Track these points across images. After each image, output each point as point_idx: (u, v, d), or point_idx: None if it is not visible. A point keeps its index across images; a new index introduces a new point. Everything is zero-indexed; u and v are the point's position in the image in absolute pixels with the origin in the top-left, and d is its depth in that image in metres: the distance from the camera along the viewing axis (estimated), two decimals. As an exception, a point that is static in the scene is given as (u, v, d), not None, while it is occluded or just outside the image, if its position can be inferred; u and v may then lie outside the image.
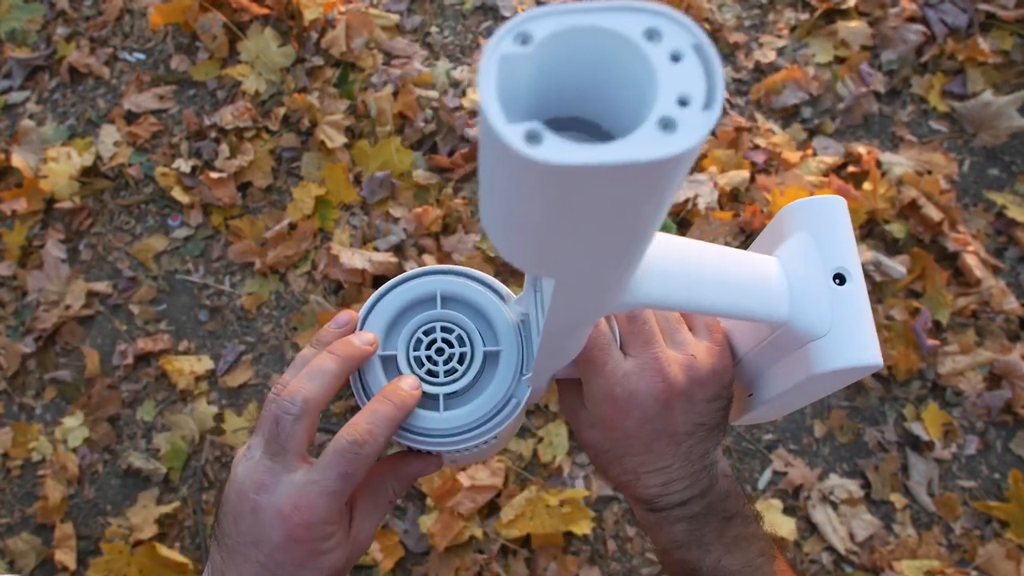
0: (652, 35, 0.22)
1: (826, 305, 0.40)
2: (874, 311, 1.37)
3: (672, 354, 0.45)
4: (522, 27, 0.22)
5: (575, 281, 0.30)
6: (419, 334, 0.46)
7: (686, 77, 0.22)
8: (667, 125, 0.21)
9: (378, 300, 0.46)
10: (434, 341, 0.46)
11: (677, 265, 0.38)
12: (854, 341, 0.40)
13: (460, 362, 0.45)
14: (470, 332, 0.46)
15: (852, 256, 0.42)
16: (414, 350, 0.46)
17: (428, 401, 0.45)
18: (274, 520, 0.41)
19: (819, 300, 0.40)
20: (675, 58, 0.22)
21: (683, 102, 0.22)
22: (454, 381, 0.45)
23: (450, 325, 0.46)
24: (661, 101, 0.22)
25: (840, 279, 0.41)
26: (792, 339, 0.41)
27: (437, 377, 0.45)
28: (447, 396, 0.45)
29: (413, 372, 0.45)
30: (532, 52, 0.22)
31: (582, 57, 0.23)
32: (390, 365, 0.45)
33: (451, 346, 0.46)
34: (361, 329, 0.46)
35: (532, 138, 0.21)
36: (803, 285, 0.40)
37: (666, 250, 0.38)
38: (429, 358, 0.46)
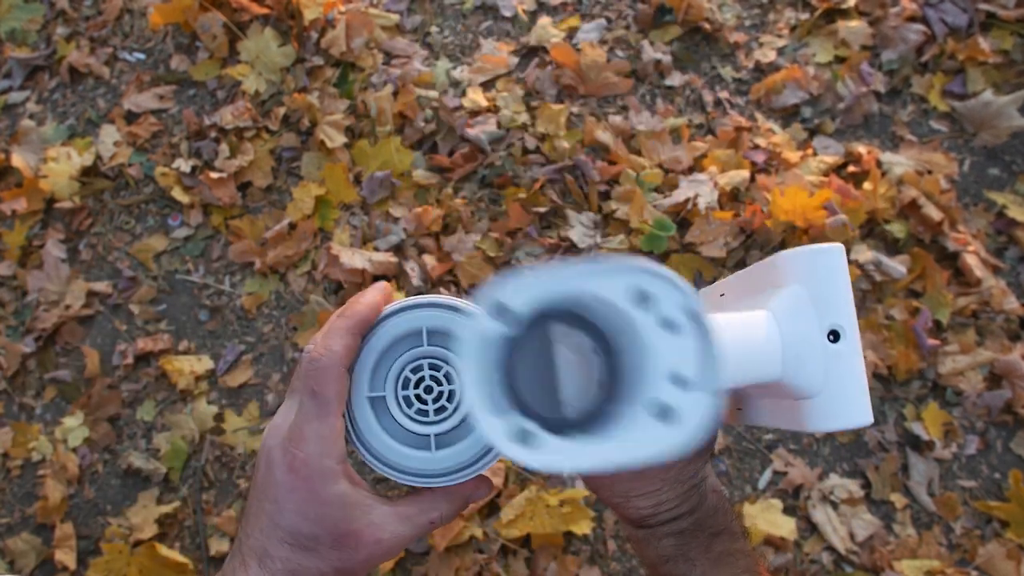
0: (643, 299, 0.21)
1: (819, 365, 0.39)
2: (874, 311, 1.37)
3: None
4: (498, 301, 0.21)
5: None
6: (407, 372, 0.45)
7: (680, 349, 0.20)
8: (665, 414, 0.20)
9: (365, 337, 0.45)
10: (422, 379, 0.45)
11: None
12: (847, 402, 0.39)
13: (449, 400, 0.45)
14: (458, 368, 0.45)
15: (848, 310, 0.41)
16: (403, 389, 0.45)
17: (420, 440, 0.45)
18: (279, 457, 0.42)
19: (812, 360, 0.39)
20: (668, 326, 0.20)
21: (678, 380, 0.20)
22: (444, 420, 0.45)
23: (437, 362, 0.45)
24: (655, 382, 0.20)
25: (834, 335, 0.40)
26: (784, 391, 0.41)
27: (427, 416, 0.45)
28: (438, 435, 0.45)
29: (403, 412, 0.45)
30: (514, 320, 0.21)
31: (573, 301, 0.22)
32: (379, 405, 0.45)
33: (439, 384, 0.45)
34: (350, 370, 0.45)
35: (522, 438, 0.19)
36: (796, 344, 0.40)
37: None
38: (418, 397, 0.45)
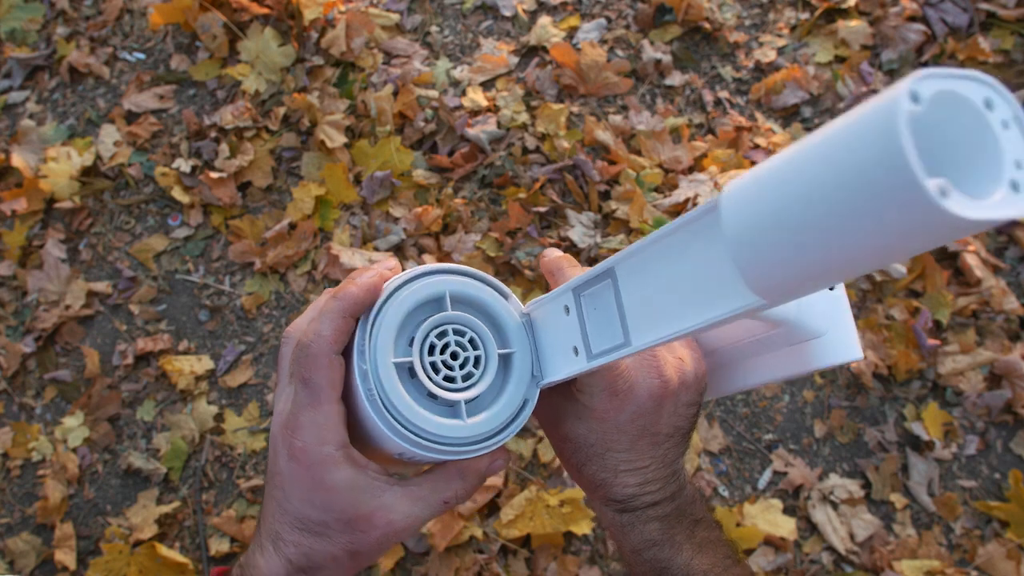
0: (988, 104, 0.26)
1: (826, 307, 0.43)
2: (874, 311, 1.37)
3: (665, 354, 0.47)
4: (913, 87, 0.25)
5: (782, 303, 0.32)
6: (432, 338, 0.44)
7: (1014, 144, 0.26)
8: (1016, 187, 0.25)
9: (387, 300, 0.44)
10: (448, 345, 0.44)
11: None
12: (847, 338, 0.44)
13: (476, 365, 0.44)
14: (482, 334, 0.45)
15: None
16: (429, 355, 0.44)
17: (449, 409, 0.44)
18: (281, 446, 0.42)
19: (821, 303, 0.43)
20: (1004, 125, 0.26)
21: (1019, 165, 0.25)
22: (472, 386, 0.44)
23: (462, 328, 0.45)
24: (1007, 165, 0.25)
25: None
26: (789, 337, 0.43)
27: (455, 383, 0.44)
28: (467, 402, 0.44)
29: (431, 379, 0.43)
30: (922, 110, 0.25)
31: (941, 120, 0.26)
32: (405, 372, 0.43)
33: (465, 350, 0.44)
34: (372, 332, 0.43)
35: (943, 193, 0.23)
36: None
37: None
38: (445, 363, 0.44)
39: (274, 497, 0.43)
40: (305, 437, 0.41)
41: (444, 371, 0.44)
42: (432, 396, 0.43)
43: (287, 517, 0.43)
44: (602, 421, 0.46)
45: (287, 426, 0.42)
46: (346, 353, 0.43)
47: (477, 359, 0.44)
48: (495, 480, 1.28)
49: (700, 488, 1.31)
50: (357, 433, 0.45)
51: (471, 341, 0.45)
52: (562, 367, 0.44)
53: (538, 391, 0.45)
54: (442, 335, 0.44)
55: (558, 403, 0.49)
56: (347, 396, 0.44)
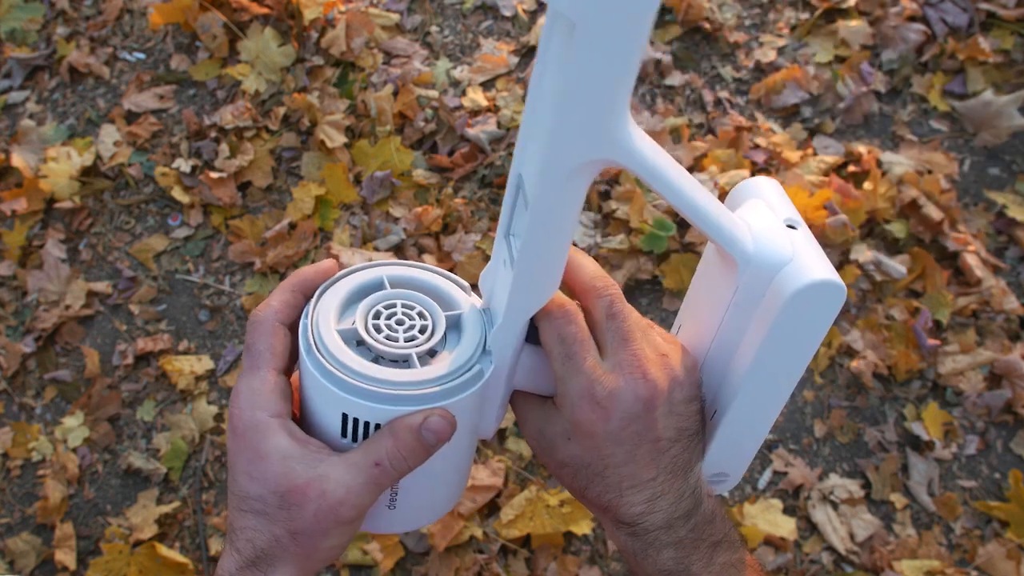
0: None
1: (786, 240, 0.43)
2: (874, 311, 1.37)
3: (648, 352, 0.44)
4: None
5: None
6: (379, 307, 0.45)
7: None
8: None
9: (330, 285, 0.46)
10: (394, 313, 0.45)
11: (663, 156, 0.40)
12: (817, 264, 0.42)
13: (421, 332, 0.45)
14: (431, 309, 0.46)
15: (797, 214, 0.45)
16: (374, 318, 0.44)
17: (392, 362, 0.44)
18: (229, 418, 0.43)
19: (779, 235, 0.43)
20: None
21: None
22: (417, 346, 0.44)
23: (411, 303, 0.46)
24: None
25: (791, 227, 0.44)
26: (759, 279, 0.43)
27: (397, 343, 0.44)
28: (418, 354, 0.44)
29: (372, 338, 0.44)
30: None
31: None
32: (350, 337, 0.44)
33: (412, 319, 0.45)
34: (315, 301, 0.45)
35: None
36: (762, 227, 0.44)
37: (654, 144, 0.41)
38: (389, 326, 0.44)
39: (229, 479, 0.43)
40: (241, 403, 0.42)
41: (387, 332, 0.44)
42: (378, 360, 0.44)
43: (234, 499, 0.42)
44: (591, 436, 0.43)
45: (231, 395, 0.43)
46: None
47: (424, 328, 0.45)
48: (495, 480, 1.28)
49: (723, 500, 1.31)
50: (308, 425, 0.45)
51: (420, 314, 0.46)
52: (498, 316, 0.44)
53: (492, 366, 0.44)
54: (391, 307, 0.45)
55: (545, 429, 0.46)
56: (301, 390, 0.45)
